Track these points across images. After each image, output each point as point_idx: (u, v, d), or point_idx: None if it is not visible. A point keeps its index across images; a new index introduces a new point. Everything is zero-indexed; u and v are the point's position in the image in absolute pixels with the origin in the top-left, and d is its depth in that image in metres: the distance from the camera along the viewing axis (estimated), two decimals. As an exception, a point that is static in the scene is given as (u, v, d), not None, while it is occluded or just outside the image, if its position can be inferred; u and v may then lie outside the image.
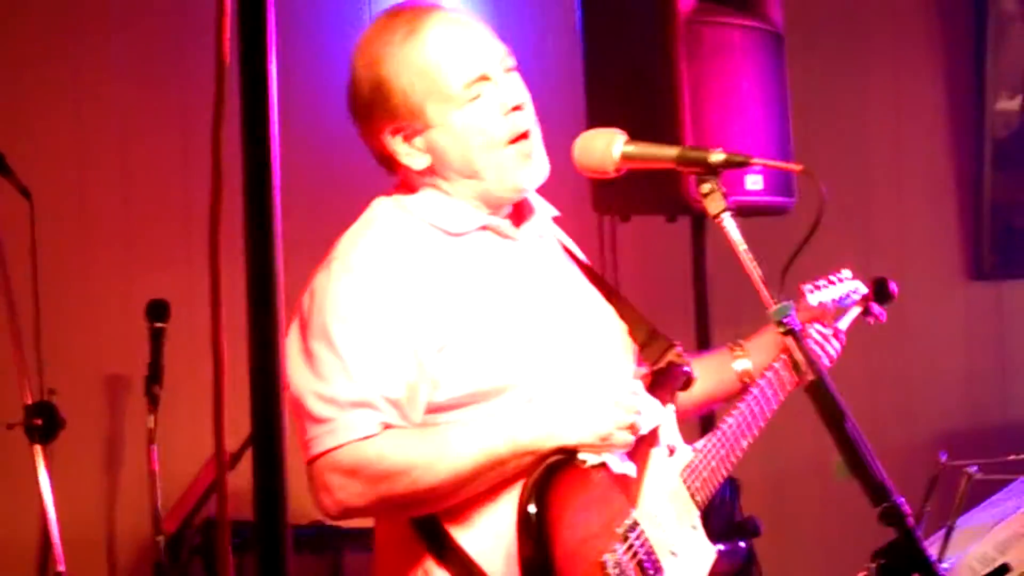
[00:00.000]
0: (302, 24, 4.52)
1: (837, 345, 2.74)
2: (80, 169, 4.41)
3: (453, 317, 2.28)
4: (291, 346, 2.26)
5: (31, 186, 3.65)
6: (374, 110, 2.36)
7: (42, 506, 3.43)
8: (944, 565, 2.81)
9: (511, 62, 2.40)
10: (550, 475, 2.23)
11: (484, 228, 2.39)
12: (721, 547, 2.44)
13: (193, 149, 4.41)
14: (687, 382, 2.47)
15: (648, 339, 2.50)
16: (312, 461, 2.22)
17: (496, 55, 2.38)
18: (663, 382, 2.45)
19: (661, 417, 2.39)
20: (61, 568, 3.40)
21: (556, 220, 2.57)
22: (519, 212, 2.47)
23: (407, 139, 2.36)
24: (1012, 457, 3.03)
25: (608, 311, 2.52)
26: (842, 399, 2.26)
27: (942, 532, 2.88)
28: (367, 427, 2.20)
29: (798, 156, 3.86)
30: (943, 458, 2.93)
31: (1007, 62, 5.24)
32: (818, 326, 2.71)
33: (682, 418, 2.52)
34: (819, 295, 2.77)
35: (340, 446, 2.20)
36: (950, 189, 5.26)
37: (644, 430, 2.32)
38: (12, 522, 4.14)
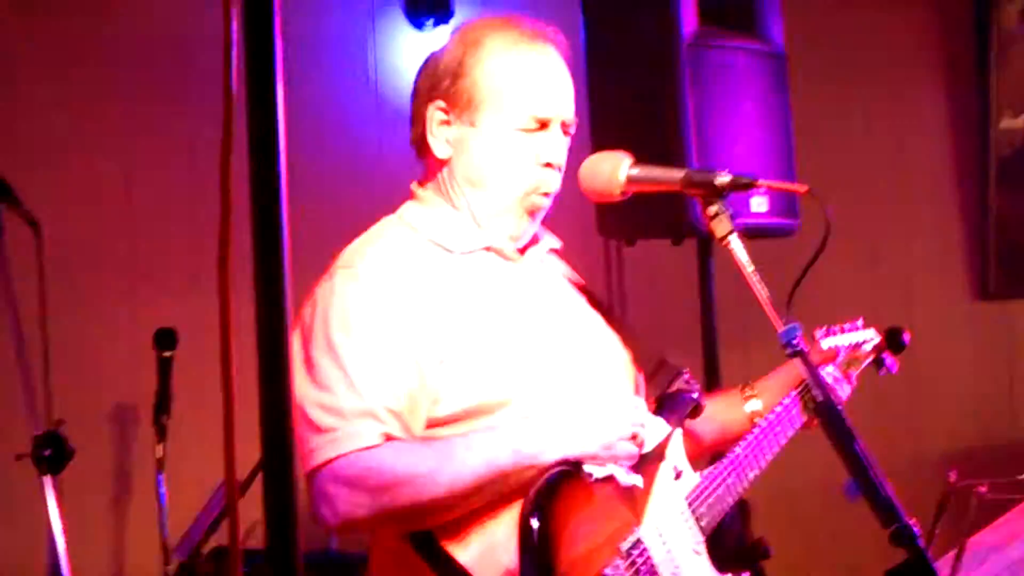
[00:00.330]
0: (310, 46, 4.53)
1: (847, 389, 2.76)
2: (87, 199, 4.42)
3: (453, 331, 2.29)
4: (293, 356, 2.26)
5: (39, 216, 3.65)
6: (438, 81, 2.41)
7: (51, 536, 3.42)
8: (955, 586, 2.80)
9: (572, 129, 2.45)
10: (553, 488, 2.21)
11: (487, 249, 2.41)
12: None
13: (200, 178, 4.42)
14: (695, 409, 2.47)
15: (656, 368, 2.50)
16: (313, 472, 2.21)
17: (567, 116, 2.43)
18: (670, 408, 2.45)
19: (665, 434, 2.39)
20: (71, 598, 3.39)
21: (561, 247, 2.58)
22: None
23: (445, 123, 2.40)
24: (1022, 476, 3.03)
25: (610, 336, 2.53)
26: (850, 420, 2.27)
27: (953, 553, 2.87)
28: (369, 437, 2.20)
29: (802, 177, 3.85)
30: (952, 478, 2.92)
31: (1011, 81, 5.25)
32: (830, 368, 2.74)
33: (692, 458, 2.51)
34: (831, 340, 2.79)
35: (342, 456, 2.19)
36: (955, 208, 5.26)
37: (648, 443, 2.32)
38: (21, 553, 4.13)
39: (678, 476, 2.40)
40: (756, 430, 2.52)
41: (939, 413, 5.05)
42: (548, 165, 2.39)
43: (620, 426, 2.27)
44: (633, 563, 2.25)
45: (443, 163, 2.42)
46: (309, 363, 2.25)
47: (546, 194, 2.42)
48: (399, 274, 2.31)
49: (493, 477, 2.20)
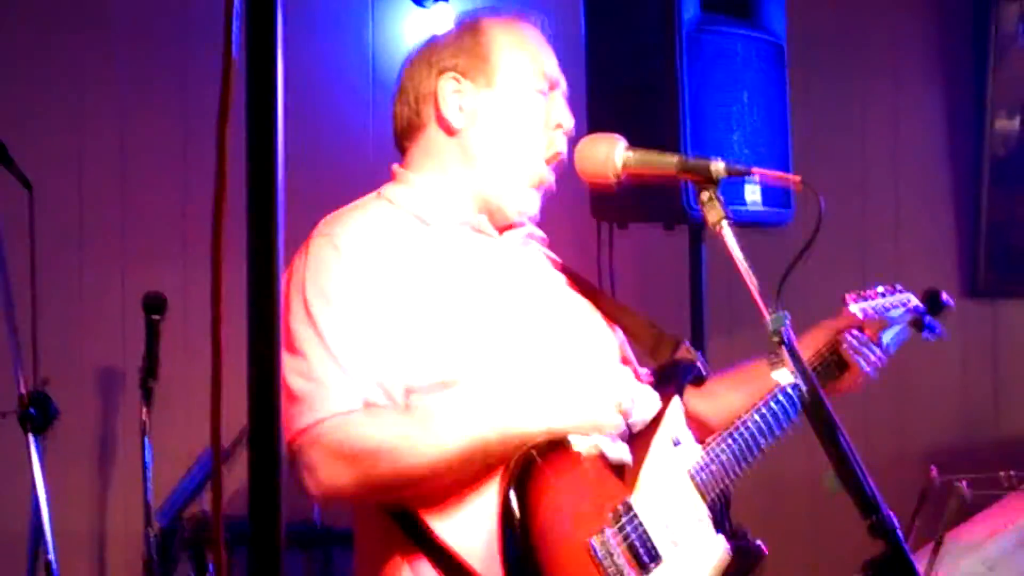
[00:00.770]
0: (308, 21, 4.53)
1: (878, 352, 2.73)
2: (80, 161, 4.41)
3: (430, 302, 2.29)
4: None
5: (31, 177, 3.65)
6: (449, 54, 2.45)
7: (34, 496, 3.43)
8: (932, 580, 2.82)
9: (567, 95, 2.53)
10: (536, 458, 2.20)
11: (466, 224, 2.42)
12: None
13: (192, 144, 4.41)
14: (697, 377, 2.47)
15: (656, 342, 2.51)
16: (293, 439, 2.20)
17: (564, 83, 2.53)
18: (670, 377, 2.45)
19: (655, 405, 2.38)
20: (51, 557, 3.40)
21: (552, 228, 2.59)
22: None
23: (457, 91, 2.44)
24: (1003, 473, 3.04)
25: (591, 313, 2.54)
26: (834, 412, 2.27)
27: (931, 546, 2.89)
28: (348, 402, 2.20)
29: (796, 168, 3.86)
30: (934, 473, 2.94)
31: (1007, 82, 5.25)
32: (856, 332, 2.71)
33: (720, 427, 2.51)
34: (861, 304, 2.76)
35: (320, 421, 2.19)
36: (948, 206, 5.27)
37: (637, 413, 2.32)
38: (3, 511, 4.14)
39: (677, 445, 2.38)
40: (772, 400, 2.49)
41: (923, 409, 5.07)
42: (559, 126, 2.46)
43: (604, 397, 2.27)
44: (622, 529, 2.24)
45: (448, 138, 2.44)
46: (287, 331, 2.25)
47: (555, 160, 2.47)
48: (377, 243, 2.32)
49: (475, 449, 2.19)
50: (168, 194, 4.44)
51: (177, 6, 4.48)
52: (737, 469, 2.42)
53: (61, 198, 4.31)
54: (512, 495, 2.16)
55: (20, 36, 4.39)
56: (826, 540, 4.53)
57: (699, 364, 2.47)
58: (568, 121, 2.48)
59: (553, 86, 2.47)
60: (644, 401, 2.35)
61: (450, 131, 2.44)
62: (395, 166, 2.52)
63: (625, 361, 2.62)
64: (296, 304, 2.27)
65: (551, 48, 2.54)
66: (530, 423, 2.23)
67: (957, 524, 2.95)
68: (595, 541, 2.21)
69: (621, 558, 2.23)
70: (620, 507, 2.26)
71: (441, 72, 2.44)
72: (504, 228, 2.50)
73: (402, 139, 2.52)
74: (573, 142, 2.44)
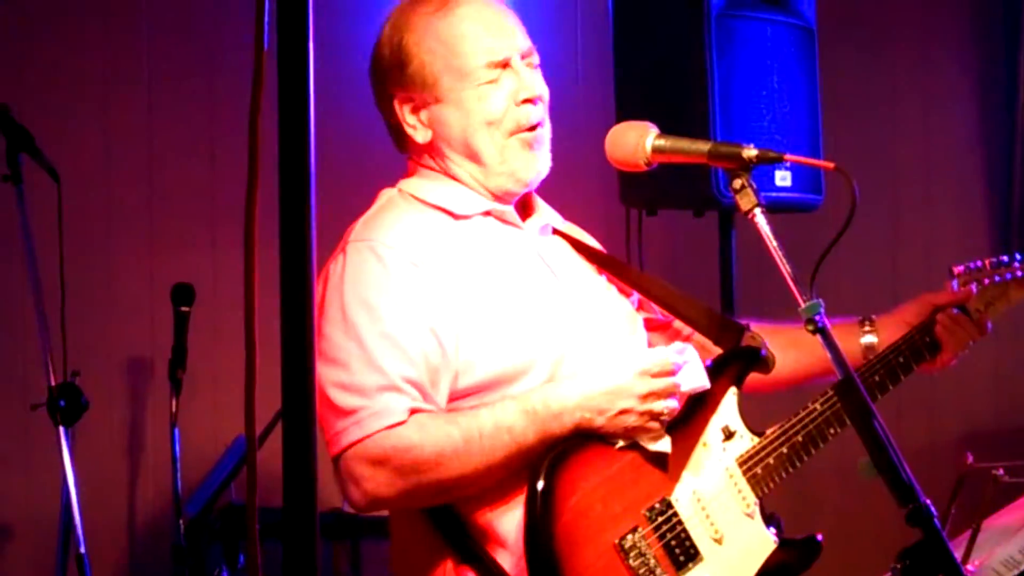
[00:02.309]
0: (339, 11, 4.51)
1: (974, 332, 2.61)
2: (107, 152, 4.42)
3: (469, 301, 2.26)
4: None
5: (59, 168, 3.65)
6: (390, 74, 2.39)
7: (65, 487, 3.44)
8: (969, 567, 2.79)
9: (535, 59, 2.41)
10: (568, 452, 2.18)
11: (488, 214, 2.38)
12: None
13: (219, 134, 4.41)
14: (763, 363, 2.38)
15: (720, 329, 2.45)
16: (340, 455, 2.18)
17: (522, 46, 2.39)
18: (730, 365, 2.38)
19: (700, 375, 2.29)
20: (82, 549, 3.41)
21: (581, 214, 2.56)
22: (526, 211, 2.47)
23: (414, 111, 2.38)
24: (1039, 459, 3.01)
25: (616, 299, 2.50)
26: (873, 385, 2.24)
27: (967, 534, 2.86)
28: (395, 414, 2.17)
29: (827, 153, 3.83)
30: (969, 459, 2.90)
31: (1039, 60, 5.20)
32: (952, 311, 2.59)
33: (795, 383, 2.48)
34: (964, 278, 2.64)
35: (368, 436, 2.16)
36: (980, 187, 5.23)
37: (683, 380, 2.25)
38: (34, 502, 4.16)
39: (729, 437, 2.33)
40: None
41: (958, 394, 5.03)
42: (526, 101, 2.36)
43: (643, 387, 2.23)
44: (658, 528, 2.22)
45: (428, 146, 2.40)
46: (324, 340, 2.22)
47: (532, 127, 2.37)
48: (416, 245, 2.28)
49: (519, 451, 2.18)
50: (196, 185, 4.44)
51: (204, -3, 4.47)
52: (797, 461, 2.36)
53: (89, 189, 4.32)
54: (537, 494, 2.14)
55: (48, 29, 4.39)
56: (861, 529, 4.50)
57: (765, 352, 2.38)
58: (533, 90, 2.36)
59: (505, 64, 2.35)
60: (689, 369, 2.27)
61: (426, 144, 2.40)
62: (410, 165, 2.48)
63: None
64: (335, 312, 2.24)
65: (502, 10, 2.41)
66: (570, 427, 2.20)
67: (994, 511, 2.92)
68: (625, 541, 2.19)
69: (653, 559, 2.20)
70: (658, 504, 2.23)
71: (393, 94, 2.39)
72: (527, 209, 2.46)
73: (399, 148, 2.49)
74: (603, 129, 2.40)
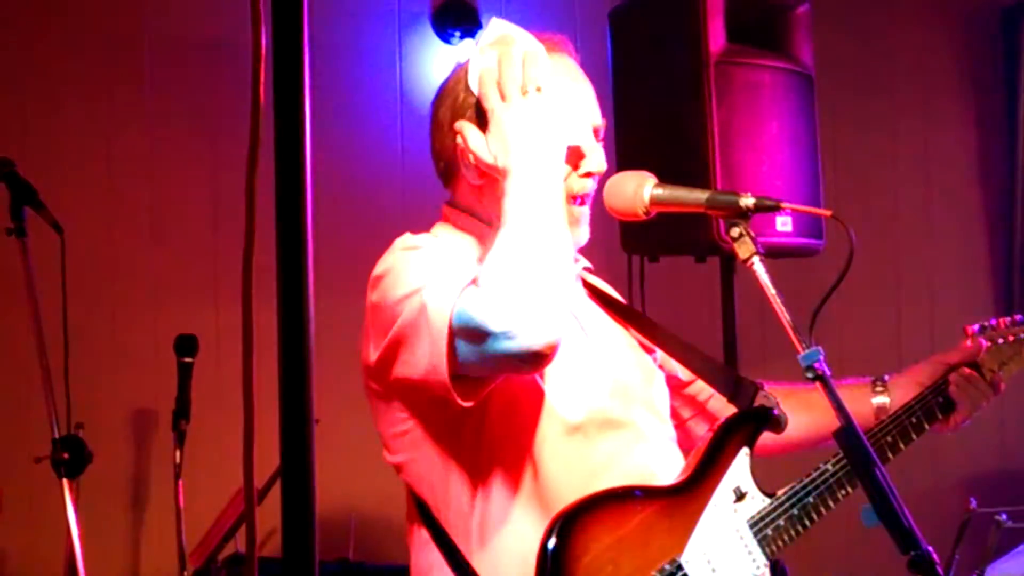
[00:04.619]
0: (337, 60, 4.54)
1: (988, 392, 2.61)
2: (111, 205, 4.44)
3: None
4: (374, 341, 2.18)
5: (63, 221, 3.67)
6: (475, 108, 2.26)
7: (69, 540, 3.43)
8: (973, 612, 2.78)
9: (602, 132, 2.38)
10: (581, 511, 2.15)
11: None
12: None
13: (222, 186, 4.43)
14: (775, 423, 2.35)
15: (734, 388, 2.41)
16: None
17: (596, 120, 2.37)
18: (742, 425, 2.35)
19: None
20: (86, 602, 3.40)
21: (591, 267, 2.56)
22: None
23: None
24: (1043, 504, 3.01)
25: (642, 353, 2.49)
26: (885, 446, 2.24)
27: (971, 579, 2.86)
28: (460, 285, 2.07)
29: (827, 198, 3.84)
30: (973, 504, 2.90)
31: (1039, 105, 5.22)
32: (965, 371, 2.60)
33: (807, 447, 2.47)
34: (982, 336, 2.64)
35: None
36: (981, 231, 5.24)
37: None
38: (39, 556, 4.15)
39: (740, 498, 2.30)
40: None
41: (961, 438, 5.00)
42: (588, 175, 2.33)
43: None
44: None
45: (477, 189, 2.31)
46: (387, 333, 2.13)
47: (583, 201, 2.34)
48: (456, 254, 2.24)
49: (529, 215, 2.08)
50: (199, 237, 4.46)
51: (207, 51, 4.50)
52: (808, 521, 2.33)
53: (93, 242, 4.34)
54: (548, 554, 2.10)
55: (51, 84, 4.42)
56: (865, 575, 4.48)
57: (777, 412, 2.34)
58: (599, 165, 2.34)
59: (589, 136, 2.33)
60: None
61: (474, 186, 2.32)
62: (445, 206, 2.42)
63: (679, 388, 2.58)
64: (390, 303, 2.15)
65: (581, 79, 2.38)
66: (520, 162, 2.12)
67: (997, 556, 2.91)
68: None
69: None
70: (668, 565, 2.20)
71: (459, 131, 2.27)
72: None
73: (445, 183, 2.41)
74: (604, 178, 2.41)
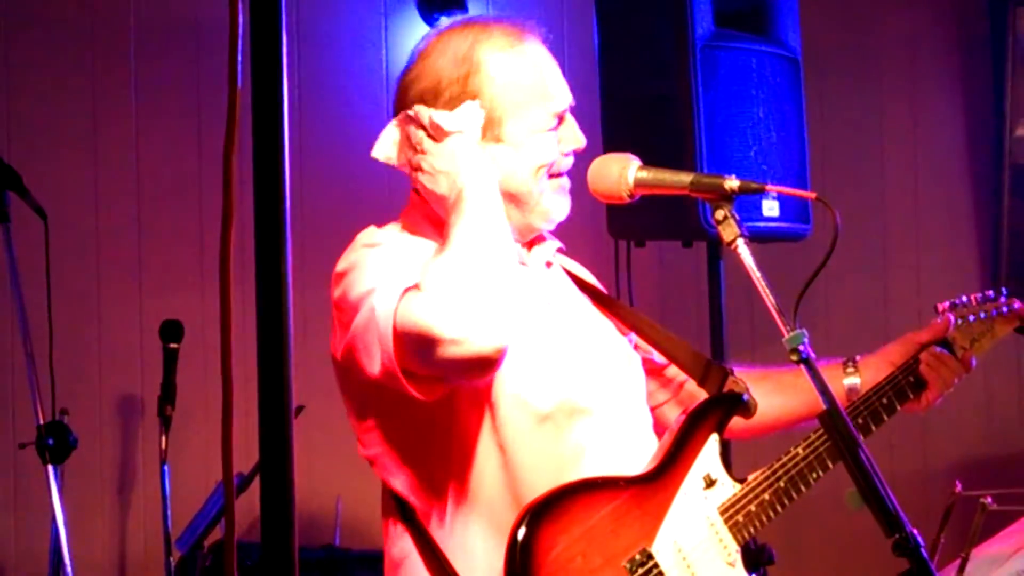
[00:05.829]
0: (322, 43, 4.53)
1: (959, 369, 2.59)
2: (95, 190, 4.43)
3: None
4: (338, 334, 2.18)
5: (46, 206, 3.66)
6: (447, 106, 2.26)
7: (54, 525, 3.43)
8: (958, 596, 2.79)
9: (573, 103, 2.39)
10: (552, 501, 2.15)
11: None
12: None
13: (207, 171, 4.42)
14: (745, 408, 2.35)
15: (703, 372, 2.41)
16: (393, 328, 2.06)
17: (571, 98, 2.37)
18: (712, 412, 2.34)
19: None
20: (71, 589, 3.40)
21: (570, 248, 2.54)
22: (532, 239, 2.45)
23: None
24: (1028, 487, 3.01)
25: (616, 337, 2.49)
26: (855, 428, 2.24)
27: (957, 563, 2.86)
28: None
29: (814, 182, 3.84)
30: (958, 487, 2.90)
31: (1026, 89, 5.22)
32: (938, 348, 2.58)
33: (784, 427, 2.47)
34: (953, 313, 2.61)
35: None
36: (968, 217, 5.25)
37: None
38: (24, 541, 4.14)
39: (711, 485, 2.29)
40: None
41: (947, 422, 5.03)
42: (571, 153, 2.35)
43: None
44: None
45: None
46: (349, 326, 2.14)
47: (563, 175, 2.36)
48: (418, 249, 2.24)
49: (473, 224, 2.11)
50: (184, 221, 4.45)
51: (191, 40, 4.49)
52: (779, 506, 2.32)
53: (77, 227, 4.32)
54: (516, 546, 2.10)
55: (36, 68, 4.41)
56: (849, 558, 4.50)
57: (747, 397, 2.34)
58: (580, 142, 2.37)
59: (562, 118, 2.34)
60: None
61: None
62: (413, 193, 2.39)
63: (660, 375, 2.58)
64: (353, 298, 2.15)
65: (555, 61, 2.38)
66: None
67: (983, 539, 2.91)
68: None
69: None
70: (638, 555, 2.19)
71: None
72: (529, 243, 2.43)
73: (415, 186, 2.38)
74: (588, 160, 2.40)
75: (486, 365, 2.04)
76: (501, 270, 2.08)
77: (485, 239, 2.10)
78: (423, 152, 2.24)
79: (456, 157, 2.20)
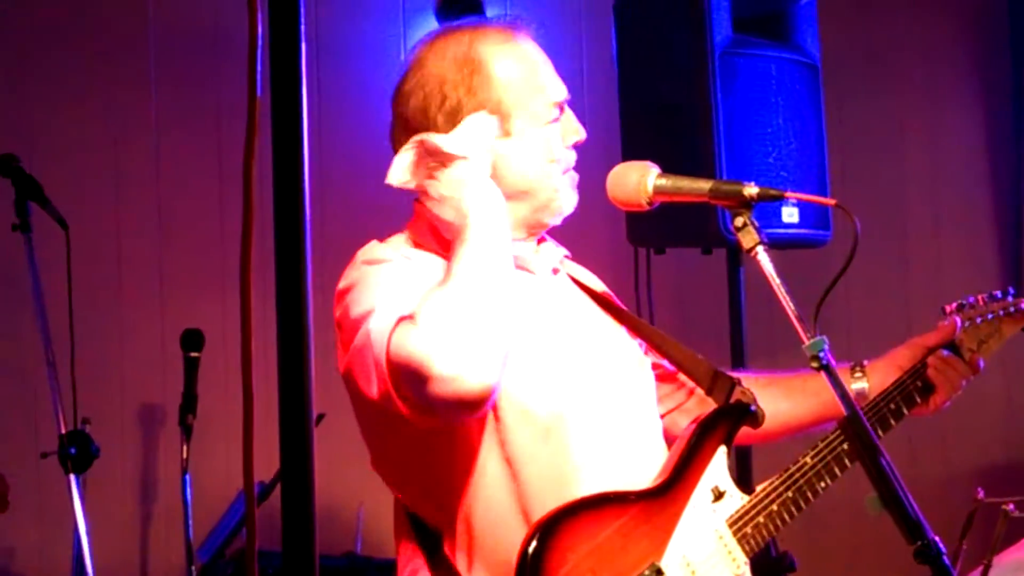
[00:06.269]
0: (338, 56, 4.54)
1: (961, 370, 2.58)
2: (116, 200, 4.44)
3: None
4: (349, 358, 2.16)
5: (68, 216, 3.67)
6: (455, 110, 2.28)
7: (76, 535, 3.44)
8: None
9: (568, 96, 2.39)
10: (560, 518, 2.13)
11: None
12: None
13: (228, 181, 4.44)
14: (753, 419, 2.35)
15: (711, 382, 2.41)
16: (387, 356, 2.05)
17: (567, 91, 2.38)
18: (719, 423, 2.34)
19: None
20: (94, 598, 3.41)
21: (589, 254, 2.54)
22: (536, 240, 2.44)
23: None
24: (1051, 494, 2.99)
25: (626, 343, 2.48)
26: (876, 434, 2.23)
27: (979, 570, 2.85)
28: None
29: (834, 189, 3.84)
30: (980, 494, 2.89)
31: (1047, 95, 5.21)
32: (943, 353, 2.57)
33: (788, 434, 2.48)
34: (960, 315, 2.61)
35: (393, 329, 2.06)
36: (988, 223, 5.23)
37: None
38: (47, 550, 4.16)
39: (719, 497, 2.29)
40: (836, 438, 2.36)
41: (968, 428, 5.01)
42: (574, 145, 2.36)
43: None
44: None
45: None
46: (350, 345, 2.13)
47: (569, 169, 2.37)
48: (419, 265, 2.25)
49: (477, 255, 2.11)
50: (205, 231, 4.46)
51: (211, 47, 4.50)
52: (788, 516, 2.31)
53: (98, 237, 4.34)
54: (530, 549, 2.09)
55: (56, 79, 4.42)
56: (871, 565, 4.48)
57: (754, 408, 2.34)
58: (580, 134, 2.37)
59: (562, 109, 2.35)
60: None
61: None
62: (416, 204, 2.37)
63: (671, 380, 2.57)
64: (355, 317, 2.14)
65: (545, 56, 2.38)
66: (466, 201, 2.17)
67: (1005, 546, 2.90)
68: None
69: None
70: (647, 571, 2.18)
71: (439, 130, 2.28)
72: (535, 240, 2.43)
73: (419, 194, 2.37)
74: (607, 168, 2.40)
75: (475, 405, 2.02)
76: (500, 307, 2.07)
77: (486, 275, 2.08)
78: (432, 178, 2.23)
79: (463, 186, 2.19)
